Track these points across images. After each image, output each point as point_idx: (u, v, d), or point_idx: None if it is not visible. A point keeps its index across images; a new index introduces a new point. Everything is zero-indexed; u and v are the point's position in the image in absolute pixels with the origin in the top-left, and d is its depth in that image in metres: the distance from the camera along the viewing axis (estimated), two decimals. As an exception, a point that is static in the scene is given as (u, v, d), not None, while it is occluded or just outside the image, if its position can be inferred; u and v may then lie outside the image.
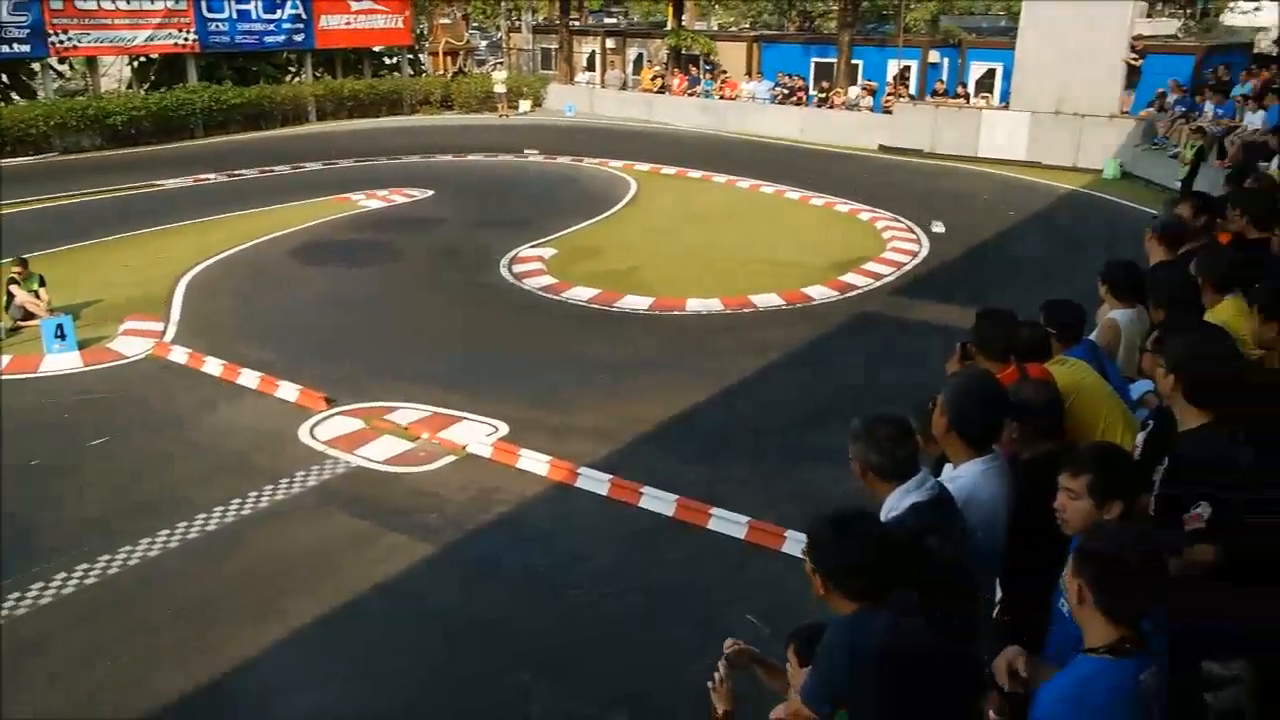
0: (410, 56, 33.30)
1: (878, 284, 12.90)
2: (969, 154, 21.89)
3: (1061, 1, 20.90)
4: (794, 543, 6.29)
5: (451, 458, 8.06)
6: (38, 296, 11.24)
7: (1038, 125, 21.10)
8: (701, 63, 31.04)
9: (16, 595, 6.10)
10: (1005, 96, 23.75)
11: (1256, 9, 39.70)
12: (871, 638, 2.67)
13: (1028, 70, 21.33)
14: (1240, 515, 3.34)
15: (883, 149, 23.43)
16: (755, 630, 5.58)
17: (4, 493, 7.37)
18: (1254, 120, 16.01)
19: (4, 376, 9.83)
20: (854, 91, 26.30)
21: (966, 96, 24.50)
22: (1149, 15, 34.42)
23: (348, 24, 29.86)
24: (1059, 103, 20.70)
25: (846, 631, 2.74)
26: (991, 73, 25.58)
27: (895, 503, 3.12)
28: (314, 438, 8.42)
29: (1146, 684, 2.51)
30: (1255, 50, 25.82)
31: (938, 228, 15.73)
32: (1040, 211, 17.24)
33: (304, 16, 28.71)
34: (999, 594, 3.76)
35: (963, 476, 3.38)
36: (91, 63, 26.45)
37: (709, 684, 3.03)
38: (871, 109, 25.46)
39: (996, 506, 3.38)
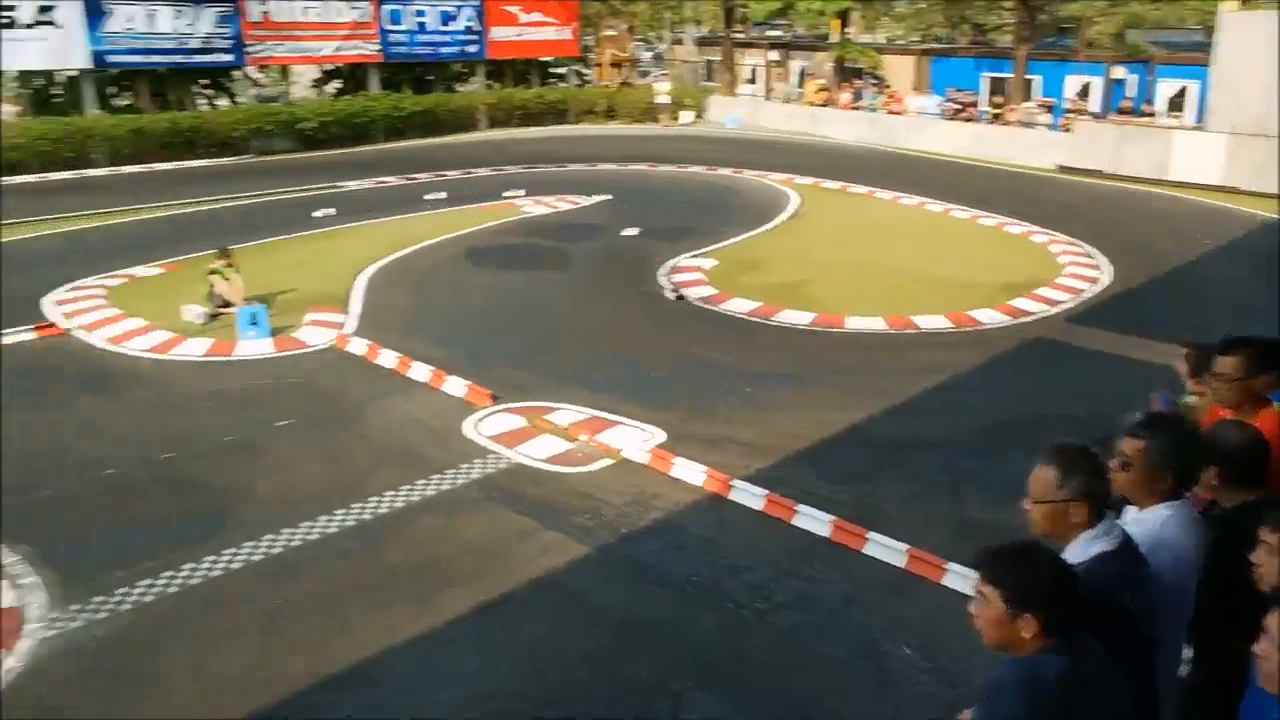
0: (577, 67, 34.11)
1: (1053, 310, 12.32)
2: (1155, 176, 20.64)
3: (1264, 11, 19.48)
4: (955, 576, 6.05)
5: (608, 461, 8.21)
6: (230, 284, 12.08)
7: (1236, 147, 19.67)
8: (866, 77, 30.50)
9: (211, 559, 6.62)
10: (1200, 115, 22.31)
11: None
12: (1050, 678, 2.56)
13: (1225, 87, 19.99)
14: None
15: (1061, 169, 22.43)
16: (911, 662, 5.45)
17: (207, 466, 8.10)
18: None
19: (205, 359, 10.71)
20: (1028, 108, 25.29)
21: (1153, 115, 23.15)
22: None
23: (518, 35, 30.90)
24: (1261, 122, 19.24)
25: (1025, 669, 2.62)
26: (1183, 91, 24.05)
27: (1082, 549, 2.93)
28: (479, 432, 8.76)
29: None
30: None
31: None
32: (1238, 240, 16.12)
33: (477, 28, 29.93)
34: (1188, 651, 3.54)
35: (1148, 521, 3.20)
36: (285, 71, 28.38)
37: None
38: (1049, 126, 24.41)
39: (1185, 556, 3.19)
